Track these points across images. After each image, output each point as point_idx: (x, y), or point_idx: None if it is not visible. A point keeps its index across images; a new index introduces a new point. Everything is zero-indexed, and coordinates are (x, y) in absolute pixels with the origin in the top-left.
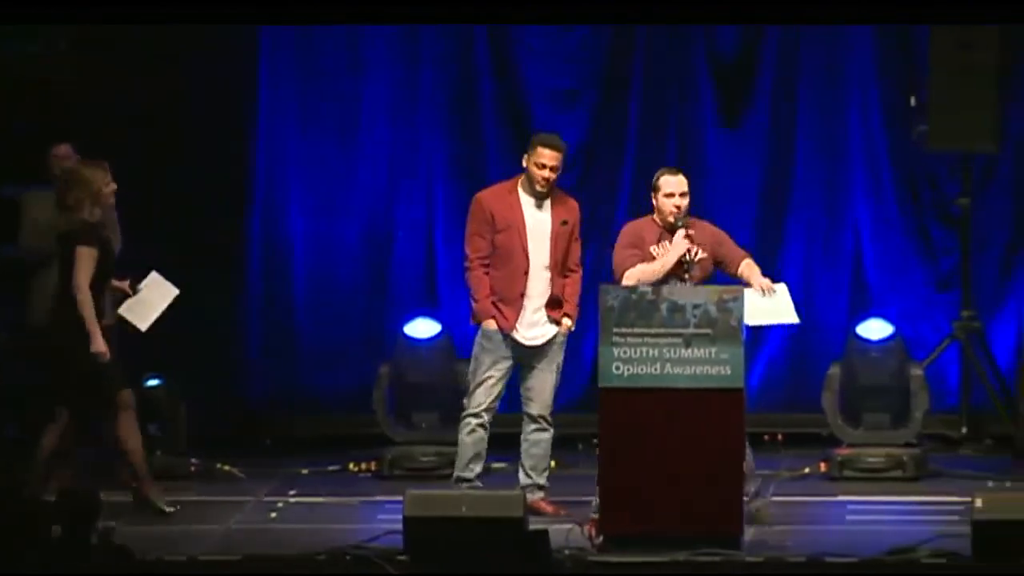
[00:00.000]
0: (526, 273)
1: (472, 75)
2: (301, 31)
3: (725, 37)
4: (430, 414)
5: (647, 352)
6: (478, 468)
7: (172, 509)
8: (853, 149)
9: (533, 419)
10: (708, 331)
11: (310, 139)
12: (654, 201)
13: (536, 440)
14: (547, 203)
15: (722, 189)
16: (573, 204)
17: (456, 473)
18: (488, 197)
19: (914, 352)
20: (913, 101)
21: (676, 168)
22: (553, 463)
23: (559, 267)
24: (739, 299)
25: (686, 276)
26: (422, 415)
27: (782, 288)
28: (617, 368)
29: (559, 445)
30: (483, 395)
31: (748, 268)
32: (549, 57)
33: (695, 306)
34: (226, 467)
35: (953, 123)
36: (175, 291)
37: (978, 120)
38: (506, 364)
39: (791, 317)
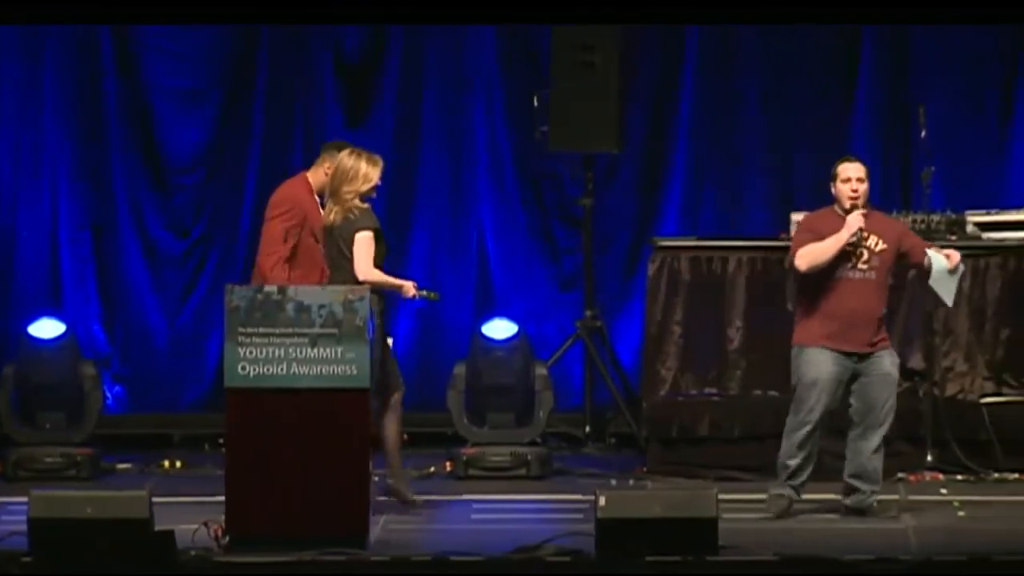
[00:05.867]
0: None
1: (96, 75)
2: None
3: (350, 37)
4: (56, 414)
5: (273, 352)
6: None
7: (416, 499)
8: (477, 149)
9: None
10: (334, 331)
11: None
12: (833, 190)
13: None
14: None
15: None
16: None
17: None
18: None
19: (539, 351)
20: (536, 101)
21: (855, 156)
22: (179, 463)
23: None
24: (364, 299)
25: (863, 264)
26: (47, 415)
27: (960, 269)
28: (243, 368)
29: (188, 446)
30: None
31: (935, 249)
32: (174, 57)
33: (321, 306)
34: None
35: (575, 123)
36: None
37: (599, 120)
38: None
39: (948, 299)
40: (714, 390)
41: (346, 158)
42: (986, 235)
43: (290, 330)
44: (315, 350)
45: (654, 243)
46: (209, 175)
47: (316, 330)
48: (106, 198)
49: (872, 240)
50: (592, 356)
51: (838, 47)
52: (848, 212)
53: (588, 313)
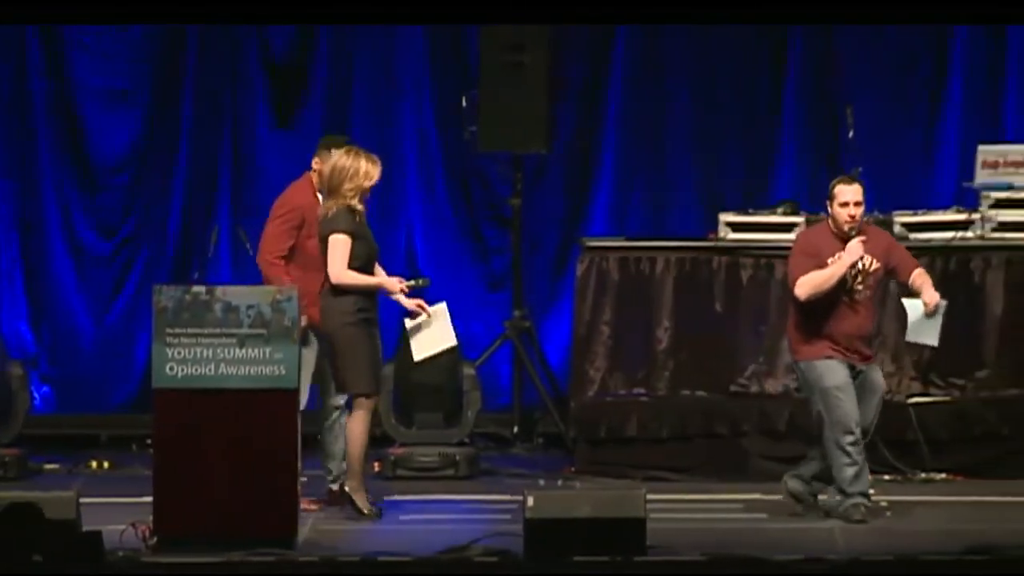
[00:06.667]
0: None
1: (23, 74)
2: None
3: (278, 37)
4: None
5: (201, 352)
6: None
7: (371, 512)
8: (406, 149)
9: None
10: (262, 331)
11: None
12: (829, 209)
13: None
14: None
15: (276, 189)
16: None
17: None
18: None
19: (467, 351)
20: (465, 101)
21: (851, 177)
22: (107, 463)
23: None
24: (292, 299)
25: (859, 285)
26: None
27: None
28: (171, 369)
29: (115, 447)
30: None
31: (920, 277)
32: (101, 56)
33: (249, 306)
34: None
35: (504, 124)
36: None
37: (528, 120)
38: None
39: (933, 341)
40: (642, 390)
41: (343, 157)
42: (913, 235)
43: (218, 330)
44: (243, 350)
45: (583, 243)
46: (137, 175)
47: (244, 330)
48: (34, 198)
49: (867, 260)
50: (521, 356)
51: (765, 47)
52: (845, 234)
53: (517, 313)
